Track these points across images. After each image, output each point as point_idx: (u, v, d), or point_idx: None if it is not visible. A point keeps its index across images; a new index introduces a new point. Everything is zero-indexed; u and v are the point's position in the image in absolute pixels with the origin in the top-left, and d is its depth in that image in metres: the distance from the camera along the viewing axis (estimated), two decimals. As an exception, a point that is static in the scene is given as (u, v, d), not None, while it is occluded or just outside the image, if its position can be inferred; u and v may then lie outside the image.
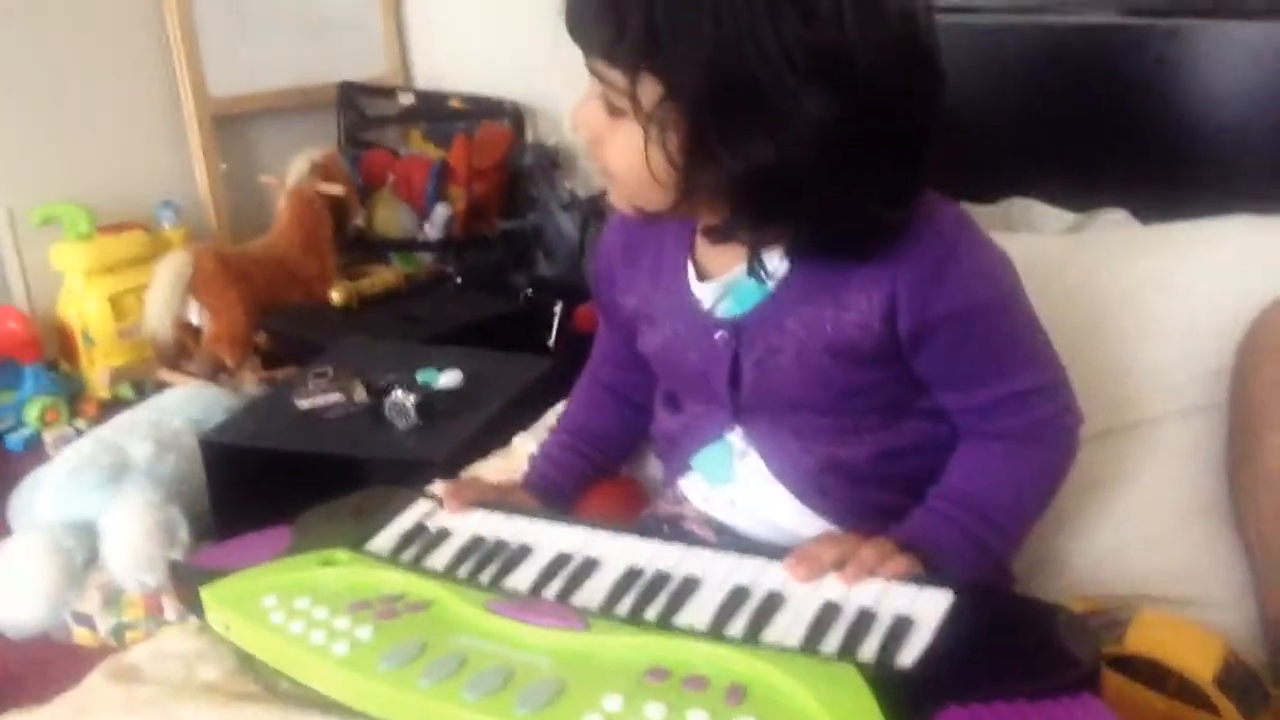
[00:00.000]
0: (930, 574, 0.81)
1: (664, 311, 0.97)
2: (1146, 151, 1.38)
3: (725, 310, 0.93)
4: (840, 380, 0.90)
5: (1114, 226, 1.34)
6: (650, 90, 0.78)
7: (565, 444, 1.11)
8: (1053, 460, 0.93)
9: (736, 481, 0.97)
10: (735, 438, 0.96)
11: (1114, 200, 1.38)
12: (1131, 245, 1.22)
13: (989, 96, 1.41)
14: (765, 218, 0.83)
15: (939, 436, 0.93)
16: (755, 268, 0.89)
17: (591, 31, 0.80)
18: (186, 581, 0.89)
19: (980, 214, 1.39)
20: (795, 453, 0.93)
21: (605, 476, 1.11)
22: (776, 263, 0.89)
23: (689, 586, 0.80)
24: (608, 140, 0.84)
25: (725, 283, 0.92)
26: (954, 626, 0.73)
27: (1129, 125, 1.39)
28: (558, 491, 1.06)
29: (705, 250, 0.93)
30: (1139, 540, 1.04)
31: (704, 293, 0.93)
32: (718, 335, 0.92)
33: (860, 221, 0.82)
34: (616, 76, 0.79)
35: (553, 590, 0.81)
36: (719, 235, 0.86)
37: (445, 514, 0.93)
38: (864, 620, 0.74)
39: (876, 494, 0.92)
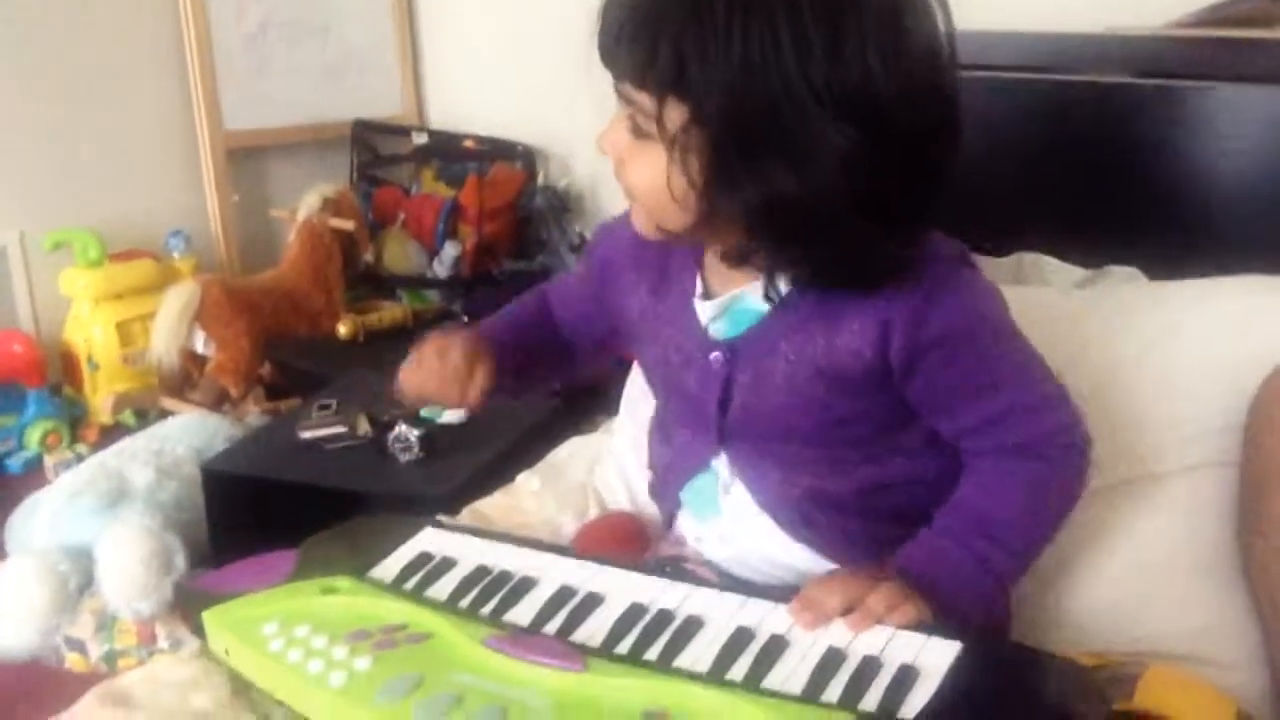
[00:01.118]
0: (939, 618, 0.80)
1: (665, 325, 0.97)
2: (1156, 210, 1.38)
3: (720, 332, 0.94)
4: (827, 408, 0.90)
5: (1124, 282, 1.35)
6: (676, 114, 0.80)
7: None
8: (1057, 475, 0.92)
9: (723, 514, 0.97)
10: (721, 466, 0.96)
11: (1123, 257, 1.38)
12: (1141, 301, 1.23)
13: (1000, 152, 1.42)
14: (781, 244, 0.84)
15: (923, 472, 0.93)
16: (769, 291, 0.90)
17: (623, 56, 0.82)
18: (190, 604, 0.89)
19: (991, 267, 1.40)
20: (779, 483, 0.94)
21: (540, 354, 1.11)
22: (783, 287, 0.90)
23: (692, 626, 0.79)
24: (631, 162, 0.86)
25: (722, 302, 0.93)
26: (960, 678, 0.72)
27: (1139, 184, 1.40)
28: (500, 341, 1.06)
29: (713, 269, 0.95)
30: (1149, 596, 1.03)
31: (704, 312, 0.94)
32: (713, 356, 0.93)
33: (873, 253, 0.83)
34: (644, 100, 0.81)
35: (554, 626, 0.81)
36: (735, 259, 0.87)
37: (449, 543, 0.93)
38: (868, 668, 0.74)
39: (861, 525, 0.92)
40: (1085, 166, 1.43)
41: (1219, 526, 1.06)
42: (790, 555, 0.94)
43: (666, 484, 1.03)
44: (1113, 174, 1.41)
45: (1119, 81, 1.42)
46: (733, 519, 0.97)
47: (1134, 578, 1.05)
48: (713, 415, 0.94)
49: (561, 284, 1.15)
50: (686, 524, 1.02)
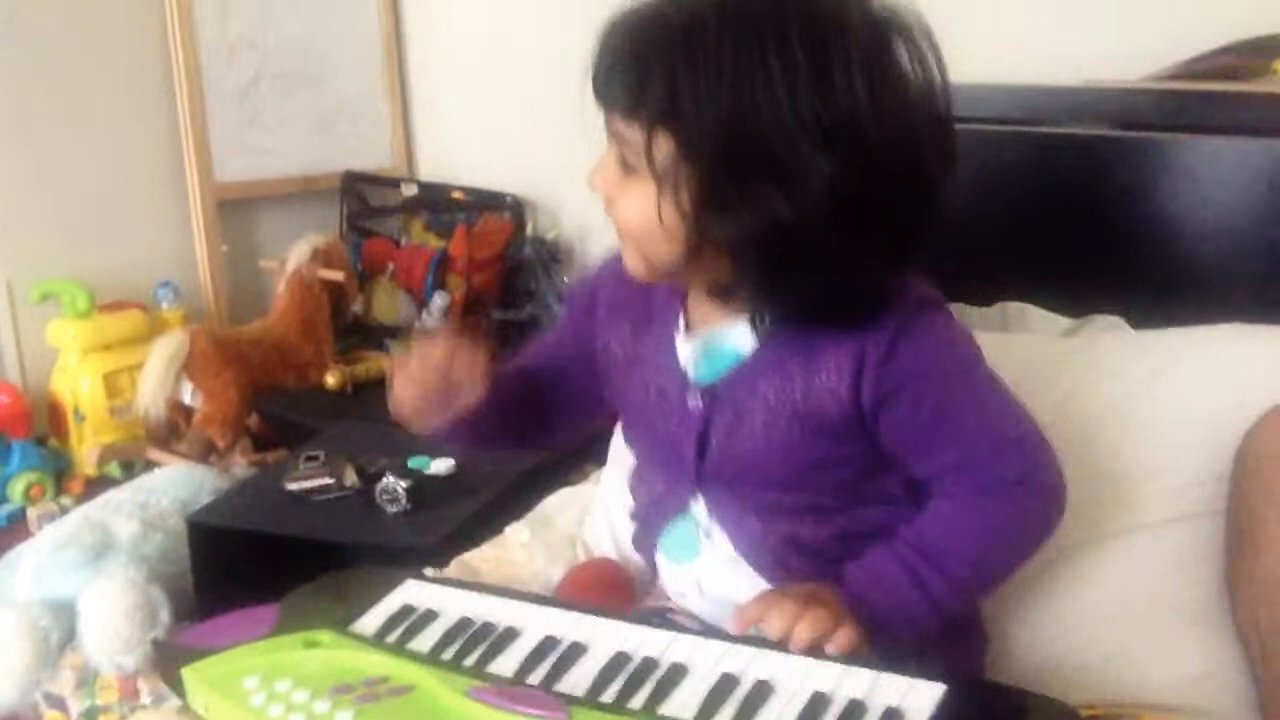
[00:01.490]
0: (870, 636, 0.82)
1: (646, 366, 0.98)
2: (1138, 259, 1.39)
3: (700, 375, 0.94)
4: (804, 452, 0.90)
5: (1107, 331, 1.36)
6: (665, 146, 0.82)
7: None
8: (1020, 517, 0.92)
9: (701, 557, 0.97)
10: (700, 511, 0.96)
11: (1106, 306, 1.39)
12: (1126, 350, 1.24)
13: (984, 203, 1.43)
14: (767, 275, 0.85)
15: (901, 520, 0.93)
16: (755, 322, 0.91)
17: (615, 88, 0.84)
18: (169, 660, 0.88)
19: (975, 316, 1.41)
20: (757, 529, 0.94)
21: (518, 403, 1.07)
22: (765, 326, 0.91)
23: (676, 673, 0.79)
24: (620, 198, 0.87)
25: (704, 342, 0.94)
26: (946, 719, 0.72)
27: (1121, 233, 1.41)
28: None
29: (696, 310, 0.95)
30: (1140, 645, 1.03)
31: (685, 352, 0.95)
32: (690, 402, 0.94)
33: (856, 286, 0.85)
34: (634, 134, 0.83)
35: (538, 676, 0.80)
36: (722, 293, 0.89)
37: (432, 595, 0.92)
38: (853, 712, 0.74)
39: (838, 574, 0.92)
40: (1068, 217, 1.45)
41: (1209, 575, 1.06)
42: None
43: (647, 530, 1.03)
44: (1095, 224, 1.42)
45: (1100, 134, 1.44)
46: (710, 564, 0.97)
47: (1124, 627, 1.05)
48: (690, 459, 0.94)
49: (538, 340, 1.15)
50: (666, 575, 1.02)
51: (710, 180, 0.81)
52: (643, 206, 0.85)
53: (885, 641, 0.85)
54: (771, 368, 0.91)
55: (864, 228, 0.81)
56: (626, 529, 1.25)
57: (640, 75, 0.82)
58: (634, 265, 0.91)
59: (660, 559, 1.01)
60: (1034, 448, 0.92)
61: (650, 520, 1.01)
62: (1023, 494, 0.92)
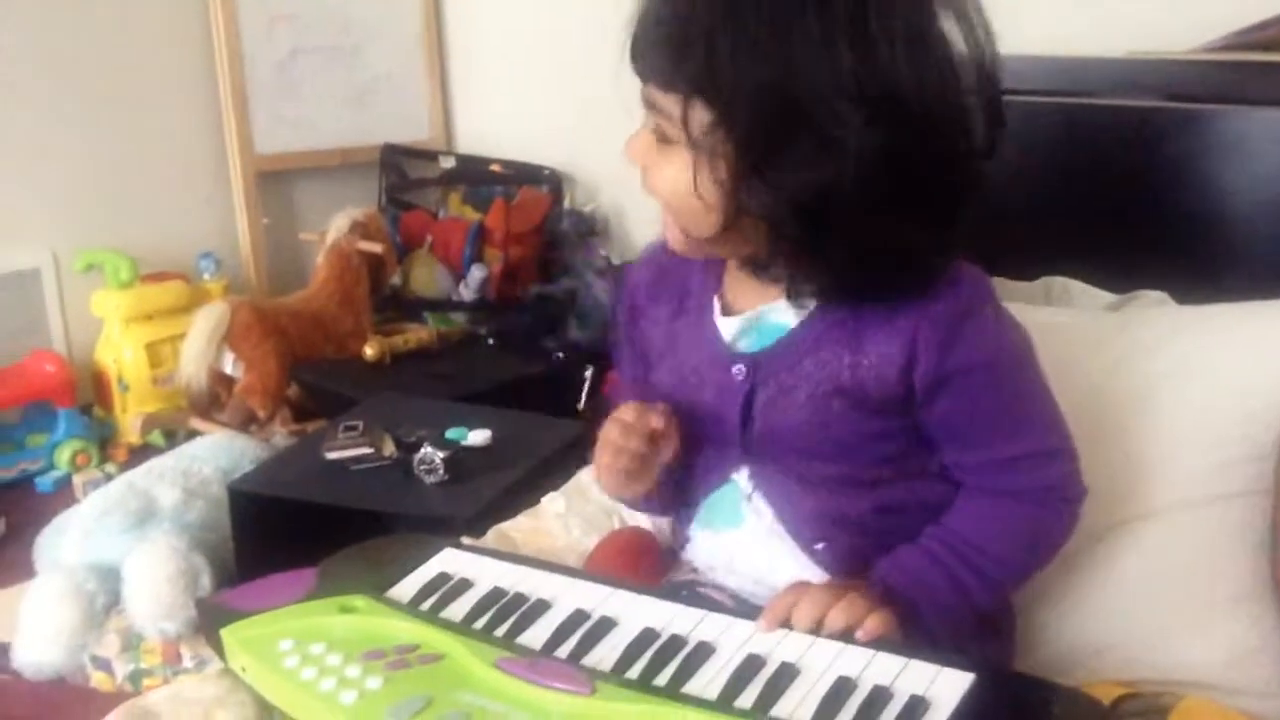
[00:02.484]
0: (906, 633, 0.81)
1: (684, 346, 0.98)
2: (1183, 234, 1.37)
3: (745, 346, 0.94)
4: (847, 427, 0.90)
5: (1152, 307, 1.33)
6: (702, 116, 0.81)
7: None
8: (1051, 525, 0.93)
9: (743, 526, 0.96)
10: (742, 479, 0.96)
11: (1150, 281, 1.37)
12: (1172, 325, 1.21)
13: (1027, 175, 1.41)
14: (806, 246, 0.84)
15: (941, 496, 0.93)
16: (794, 301, 0.90)
17: (653, 57, 0.84)
18: (209, 621, 0.89)
19: (1018, 290, 1.39)
20: (799, 498, 0.94)
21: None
22: (809, 304, 0.90)
23: (703, 652, 0.79)
24: (656, 168, 0.87)
25: (748, 318, 0.93)
26: (971, 710, 0.71)
27: (1167, 208, 1.39)
28: None
29: (734, 287, 0.95)
30: (1180, 625, 1.02)
31: (727, 327, 0.94)
32: (735, 369, 0.93)
33: (895, 261, 0.84)
34: (670, 103, 0.83)
35: (566, 649, 0.81)
36: (758, 265, 0.88)
37: (467, 564, 0.93)
38: (878, 698, 0.73)
39: (877, 545, 0.92)
40: (1112, 190, 1.42)
41: (1247, 554, 1.05)
42: (802, 574, 0.94)
43: (686, 502, 1.02)
44: (1140, 198, 1.40)
45: (1145, 105, 1.41)
46: (751, 532, 0.96)
47: (1161, 606, 1.04)
48: (735, 430, 0.94)
49: (622, 388, 1.11)
50: (700, 547, 1.02)
51: (747, 149, 0.80)
52: (679, 177, 0.84)
53: (919, 636, 0.85)
54: (816, 344, 0.90)
55: (903, 200, 0.80)
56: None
57: (678, 45, 0.81)
58: (673, 236, 0.91)
59: (696, 530, 1.01)
60: (1069, 458, 0.93)
61: (691, 488, 1.01)
62: (1053, 501, 0.93)
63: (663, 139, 0.85)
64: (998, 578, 0.91)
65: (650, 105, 0.86)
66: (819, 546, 0.93)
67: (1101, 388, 1.02)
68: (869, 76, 0.77)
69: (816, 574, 0.93)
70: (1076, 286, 1.42)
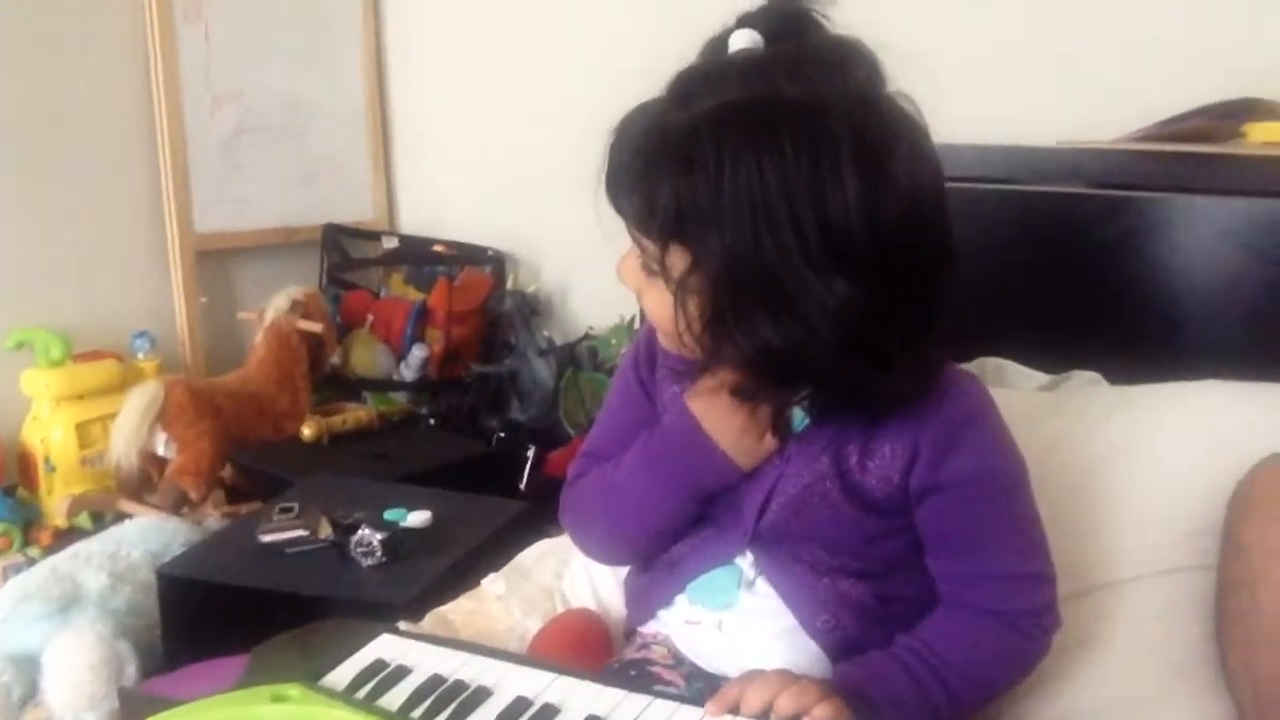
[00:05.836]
0: None
1: None
2: (1115, 316, 1.41)
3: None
4: (856, 525, 0.91)
5: (1086, 387, 1.36)
6: (679, 260, 0.82)
7: None
8: (1023, 649, 0.94)
9: (736, 607, 0.96)
10: (746, 564, 0.95)
11: (1083, 363, 1.40)
12: (1106, 405, 1.24)
13: (962, 259, 1.44)
14: (780, 386, 0.86)
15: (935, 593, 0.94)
16: (778, 425, 0.91)
17: (626, 205, 0.85)
18: (133, 711, 0.86)
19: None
20: (809, 583, 0.93)
21: None
22: (802, 414, 0.91)
23: (650, 740, 0.77)
24: (644, 293, 0.89)
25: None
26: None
27: (1098, 291, 1.42)
28: None
29: None
30: (1125, 700, 1.03)
31: None
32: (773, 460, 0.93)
33: (873, 389, 0.85)
34: (649, 245, 0.84)
35: (510, 737, 0.78)
36: (744, 395, 0.88)
37: (405, 650, 0.91)
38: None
39: (880, 630, 0.92)
40: (1045, 273, 1.46)
41: (1192, 629, 1.06)
42: (791, 653, 0.93)
43: (673, 576, 1.01)
44: (1071, 281, 1.43)
45: (1075, 192, 1.46)
46: (748, 610, 0.96)
47: (1109, 684, 1.04)
48: (751, 517, 0.94)
49: (602, 428, 1.09)
50: (680, 610, 1.00)
51: (717, 298, 0.81)
52: (664, 308, 0.86)
53: None
54: (831, 441, 0.91)
55: (870, 339, 0.81)
56: (607, 579, 1.24)
57: (647, 194, 0.82)
58: (665, 347, 0.94)
59: (681, 599, 1.00)
60: (1048, 586, 0.94)
61: (685, 566, 1.00)
62: (1027, 627, 0.93)
63: (648, 270, 0.87)
64: (961, 691, 0.91)
65: (633, 238, 0.87)
66: (822, 621, 0.93)
67: (1038, 467, 1.03)
68: (830, 227, 0.77)
69: (810, 653, 0.93)
70: (1011, 367, 1.44)
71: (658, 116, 0.83)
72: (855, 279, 0.78)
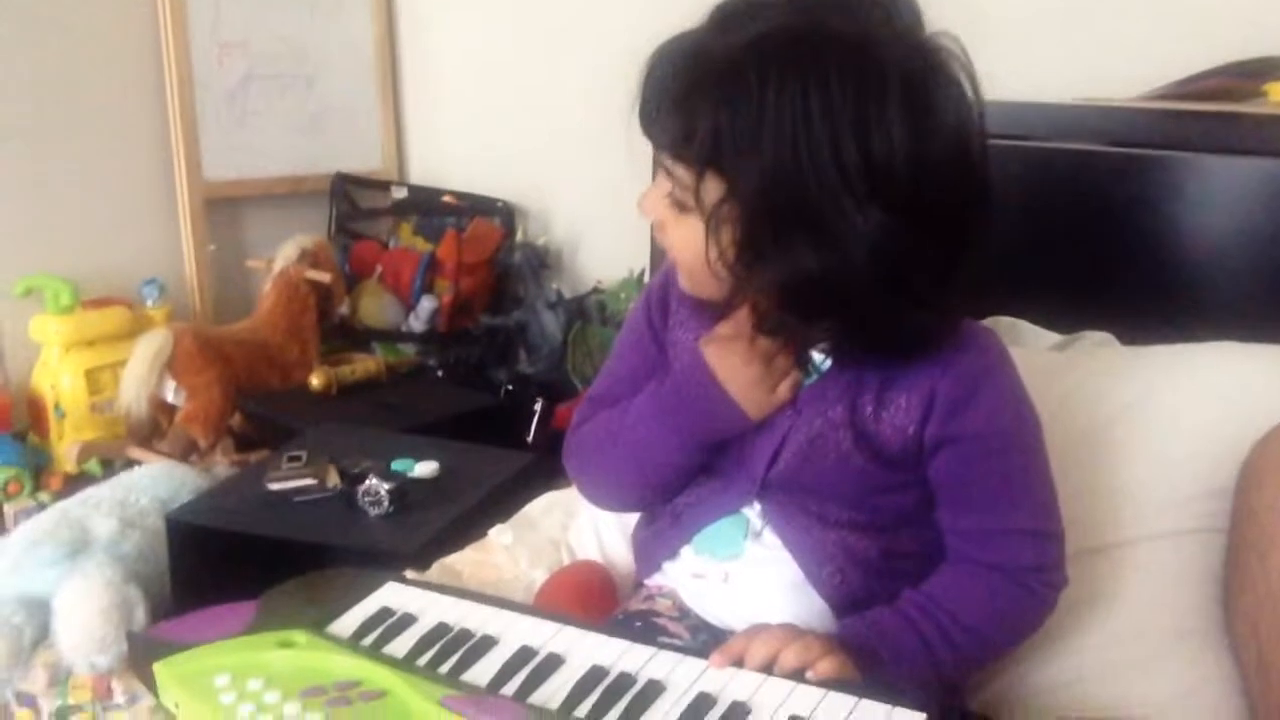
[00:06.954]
0: (866, 678, 0.81)
1: None
2: (1129, 276, 1.39)
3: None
4: (866, 477, 0.91)
5: (1098, 348, 1.35)
6: (713, 188, 0.81)
7: None
8: (1029, 607, 0.94)
9: (743, 557, 0.96)
10: (753, 514, 0.95)
11: (1096, 323, 1.39)
12: (1117, 365, 1.23)
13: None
14: (810, 318, 0.85)
15: (941, 549, 0.94)
16: (802, 360, 0.91)
17: (662, 130, 0.84)
18: (142, 654, 0.86)
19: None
20: (813, 533, 0.93)
21: None
22: (821, 358, 0.91)
23: (652, 691, 0.78)
24: (669, 228, 0.87)
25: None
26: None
27: (1113, 251, 1.41)
28: None
29: None
30: (1127, 661, 1.03)
31: None
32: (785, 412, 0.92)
33: (901, 327, 0.84)
34: (683, 173, 0.82)
35: (512, 687, 0.79)
36: (768, 328, 0.88)
37: (411, 599, 0.91)
38: (830, 737, 0.72)
39: (882, 585, 0.93)
40: (1060, 232, 1.45)
41: (1197, 591, 1.06)
42: (796, 607, 0.94)
43: (679, 527, 1.01)
44: (1086, 240, 1.42)
45: (1090, 149, 1.44)
46: (754, 561, 0.96)
47: (1113, 643, 1.05)
48: (760, 468, 0.94)
49: (610, 374, 1.08)
50: (687, 562, 1.01)
51: (752, 227, 0.81)
52: (691, 241, 0.85)
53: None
54: (846, 389, 0.91)
55: (903, 273, 0.81)
56: (613, 531, 1.24)
57: (686, 118, 0.81)
58: (685, 288, 0.92)
59: (689, 553, 1.00)
60: (1058, 545, 0.94)
61: (688, 518, 1.00)
62: (1034, 584, 0.93)
63: (676, 203, 0.85)
64: (967, 648, 0.91)
65: (664, 169, 0.86)
66: (827, 574, 0.93)
67: (1049, 427, 1.03)
68: (871, 157, 0.77)
69: (815, 606, 0.93)
70: (1023, 326, 1.43)
71: (698, 43, 0.82)
72: (893, 212, 0.78)
